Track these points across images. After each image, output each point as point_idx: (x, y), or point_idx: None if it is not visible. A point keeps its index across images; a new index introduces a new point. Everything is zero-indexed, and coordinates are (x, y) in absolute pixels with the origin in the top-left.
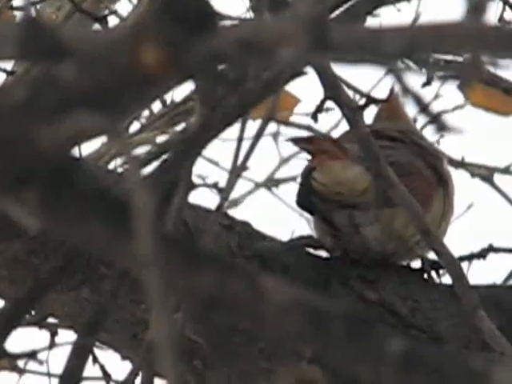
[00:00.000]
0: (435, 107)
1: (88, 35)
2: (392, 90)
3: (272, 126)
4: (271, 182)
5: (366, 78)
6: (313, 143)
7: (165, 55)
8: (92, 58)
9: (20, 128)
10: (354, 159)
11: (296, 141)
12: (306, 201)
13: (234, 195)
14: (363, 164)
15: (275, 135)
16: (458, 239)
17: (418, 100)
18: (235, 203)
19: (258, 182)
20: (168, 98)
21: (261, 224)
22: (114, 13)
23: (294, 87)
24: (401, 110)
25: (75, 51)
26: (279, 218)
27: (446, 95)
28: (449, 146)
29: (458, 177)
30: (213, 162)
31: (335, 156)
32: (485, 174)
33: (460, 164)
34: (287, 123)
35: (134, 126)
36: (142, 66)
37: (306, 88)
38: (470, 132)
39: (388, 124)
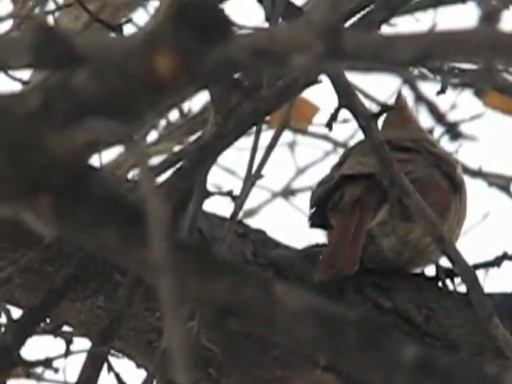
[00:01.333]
0: (452, 116)
1: (102, 43)
2: (399, 95)
3: (288, 136)
4: (288, 192)
5: (381, 86)
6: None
7: (179, 63)
8: (106, 65)
9: (35, 135)
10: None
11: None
12: (319, 219)
13: (250, 205)
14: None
15: (291, 145)
16: (474, 248)
17: (432, 108)
18: (252, 213)
19: (274, 191)
20: (186, 107)
21: (277, 233)
22: (131, 21)
23: (313, 95)
24: (409, 115)
25: (90, 59)
26: (295, 227)
27: (463, 104)
28: (466, 155)
29: (475, 186)
30: (228, 171)
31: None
32: (502, 183)
33: (477, 173)
34: (304, 132)
35: (152, 136)
36: (156, 73)
37: (327, 96)
38: (487, 141)
39: (398, 132)
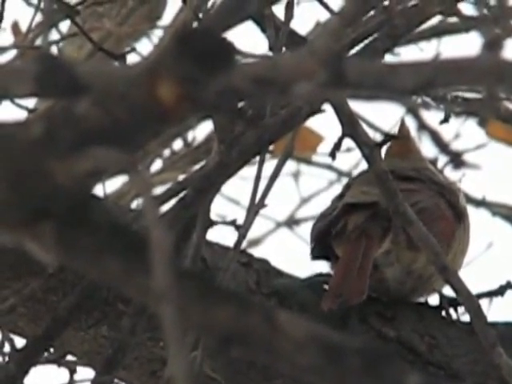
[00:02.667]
0: (455, 145)
1: (105, 71)
2: (402, 125)
3: (292, 165)
4: (292, 221)
5: (384, 115)
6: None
7: (181, 92)
8: (109, 94)
9: (38, 163)
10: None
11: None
12: (321, 250)
13: (254, 234)
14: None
15: (295, 174)
16: (478, 277)
17: (436, 137)
18: (256, 242)
19: (278, 221)
20: (190, 137)
21: (281, 263)
22: (135, 51)
23: (317, 125)
24: (411, 145)
25: (92, 87)
26: (299, 256)
27: (467, 133)
28: (470, 184)
29: (478, 215)
30: (232, 200)
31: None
32: (506, 212)
33: (481, 203)
34: (308, 162)
35: (156, 165)
36: (158, 102)
37: (331, 126)
38: (491, 171)
39: (400, 162)
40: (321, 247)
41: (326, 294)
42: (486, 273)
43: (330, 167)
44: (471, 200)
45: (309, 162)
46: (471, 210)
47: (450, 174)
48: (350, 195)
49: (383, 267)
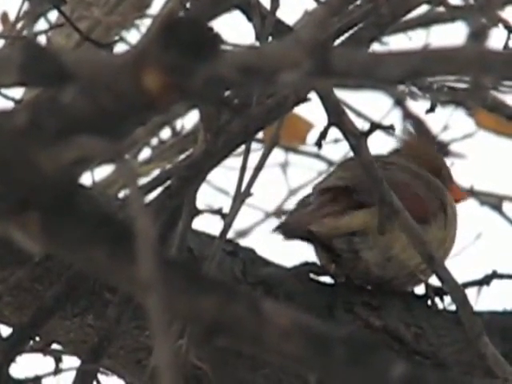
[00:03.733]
0: (444, 135)
1: (91, 60)
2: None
3: (281, 155)
4: (280, 212)
5: (373, 104)
6: (301, 224)
7: (167, 81)
8: (95, 83)
9: (23, 152)
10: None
11: (287, 231)
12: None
13: (243, 225)
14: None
15: (284, 165)
16: (465, 267)
17: (421, 126)
18: (244, 233)
19: (267, 211)
20: (178, 126)
21: (269, 253)
22: (122, 40)
23: (305, 113)
24: (422, 150)
25: (78, 76)
26: (287, 247)
27: (455, 123)
28: (458, 174)
29: (467, 205)
30: (219, 190)
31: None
32: (494, 202)
33: (469, 192)
34: (297, 151)
35: (144, 154)
36: (144, 91)
37: (318, 115)
38: (479, 160)
39: (402, 160)
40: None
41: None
42: (473, 262)
43: (318, 156)
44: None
45: (298, 151)
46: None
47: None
48: (326, 181)
49: (362, 252)
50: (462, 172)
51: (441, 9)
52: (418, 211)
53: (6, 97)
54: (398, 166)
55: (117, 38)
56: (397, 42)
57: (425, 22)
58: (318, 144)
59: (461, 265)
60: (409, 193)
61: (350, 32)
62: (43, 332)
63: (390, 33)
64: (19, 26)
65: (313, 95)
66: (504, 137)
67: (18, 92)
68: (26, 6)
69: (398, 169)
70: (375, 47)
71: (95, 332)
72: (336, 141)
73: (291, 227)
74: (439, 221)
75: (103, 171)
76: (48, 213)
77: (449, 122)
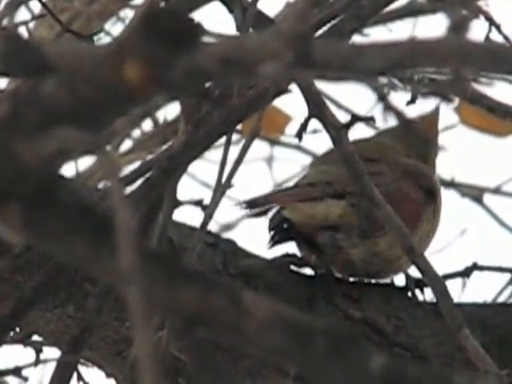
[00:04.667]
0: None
1: (72, 51)
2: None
3: (265, 150)
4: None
5: (354, 96)
6: (270, 200)
7: (147, 72)
8: (75, 74)
9: (3, 143)
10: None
11: (252, 204)
12: (280, 234)
13: (227, 219)
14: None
15: (269, 159)
16: (447, 259)
17: (401, 118)
18: (229, 227)
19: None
20: (160, 117)
21: (254, 248)
22: (103, 31)
23: (286, 105)
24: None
25: (59, 67)
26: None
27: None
28: (439, 165)
29: (447, 197)
30: (200, 182)
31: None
32: (475, 194)
33: (450, 184)
34: (278, 143)
35: (125, 145)
36: (125, 82)
37: (298, 106)
38: (460, 152)
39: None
40: (282, 232)
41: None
42: (454, 254)
43: (300, 148)
44: (440, 181)
45: (279, 142)
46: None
47: None
48: (309, 175)
49: (348, 249)
50: (443, 163)
51: (422, 0)
52: (412, 218)
53: None
54: (386, 165)
55: (98, 29)
56: (378, 34)
57: (406, 13)
58: (299, 136)
59: (440, 256)
60: (403, 201)
61: (331, 24)
62: (23, 323)
63: (370, 24)
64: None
65: (293, 87)
66: (487, 133)
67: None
68: None
69: (387, 170)
70: (356, 39)
71: (75, 323)
72: (315, 131)
73: (257, 201)
74: (428, 213)
75: (84, 162)
76: (28, 204)
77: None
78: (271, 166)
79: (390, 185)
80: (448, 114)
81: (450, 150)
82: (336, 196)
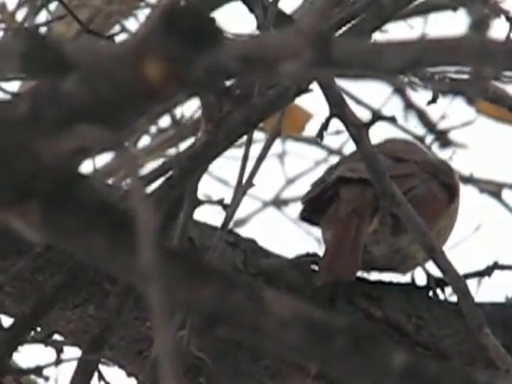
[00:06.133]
0: (443, 123)
1: (91, 49)
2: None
3: (279, 145)
4: (278, 201)
5: (373, 93)
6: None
7: (168, 70)
8: (95, 72)
9: (23, 141)
10: None
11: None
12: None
13: (241, 214)
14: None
15: (281, 155)
16: (465, 256)
17: (422, 116)
18: (242, 222)
19: (265, 200)
20: (178, 114)
21: (268, 242)
22: (123, 29)
23: (308, 102)
24: None
25: (79, 65)
26: (286, 236)
27: (454, 110)
28: (458, 161)
29: (466, 192)
30: (220, 180)
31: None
32: (493, 189)
33: (468, 180)
34: (297, 139)
35: (144, 143)
36: (144, 80)
37: (320, 105)
38: (478, 147)
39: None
40: (310, 212)
41: (319, 269)
42: (473, 251)
43: (319, 144)
44: (459, 177)
45: (298, 139)
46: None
47: (439, 152)
48: (340, 170)
49: (370, 246)
50: (461, 160)
51: None
52: (435, 216)
53: (4, 90)
54: (416, 165)
55: (117, 27)
56: (397, 30)
57: (426, 10)
58: (320, 135)
59: (460, 253)
60: (431, 201)
61: (352, 23)
62: (44, 323)
63: (390, 21)
64: (20, 16)
65: (314, 86)
66: (504, 123)
67: (15, 86)
68: None
69: (418, 170)
70: (376, 36)
71: (96, 323)
72: (338, 132)
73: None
74: (450, 210)
75: (104, 160)
76: (48, 202)
77: (448, 110)
78: (283, 161)
79: (422, 186)
80: (464, 108)
81: (469, 145)
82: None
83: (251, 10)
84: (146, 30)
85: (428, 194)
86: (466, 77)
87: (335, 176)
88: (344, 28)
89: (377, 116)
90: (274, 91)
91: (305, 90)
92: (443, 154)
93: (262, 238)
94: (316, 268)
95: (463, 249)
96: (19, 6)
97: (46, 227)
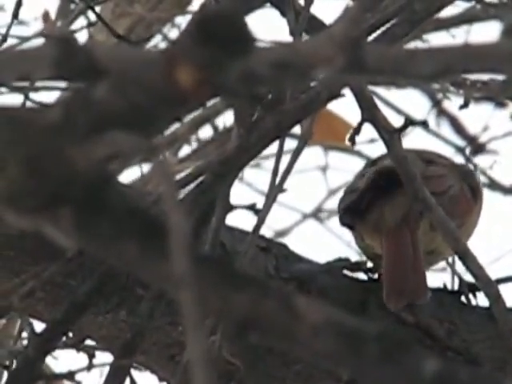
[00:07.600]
0: (482, 134)
1: (124, 55)
2: None
3: (320, 158)
4: (319, 213)
5: (408, 98)
6: None
7: (200, 76)
8: (127, 78)
9: (56, 148)
10: None
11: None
12: (347, 218)
13: (281, 225)
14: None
15: (323, 168)
16: (498, 263)
17: (455, 122)
18: (283, 233)
19: (305, 212)
20: (220, 123)
21: (308, 254)
22: (165, 37)
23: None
24: None
25: (111, 71)
26: (326, 248)
27: (496, 121)
28: (498, 171)
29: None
30: (252, 186)
31: None
32: None
33: (509, 190)
34: (338, 148)
35: (184, 151)
36: (176, 86)
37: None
38: None
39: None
40: (348, 217)
41: (385, 293)
42: (508, 258)
43: (359, 154)
44: (499, 187)
45: (339, 148)
46: (499, 198)
47: (473, 159)
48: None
49: None
50: (502, 169)
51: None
52: (465, 217)
53: (33, 101)
54: (446, 167)
55: (153, 34)
56: (439, 39)
57: (461, 20)
58: (352, 140)
59: (493, 260)
60: (463, 202)
61: (383, 28)
62: (76, 328)
63: (429, 31)
64: (59, 24)
65: (346, 91)
66: None
67: (44, 96)
68: (65, 5)
69: (449, 172)
70: (415, 44)
71: (128, 328)
72: (372, 141)
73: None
74: (475, 211)
75: (141, 168)
76: (80, 208)
77: (488, 121)
78: (325, 173)
79: (456, 186)
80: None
81: (509, 155)
82: None
83: (283, 14)
84: (179, 36)
85: (461, 193)
86: (498, 82)
87: (373, 170)
88: (376, 33)
89: (409, 121)
90: (306, 96)
91: (337, 95)
92: (483, 163)
93: (302, 249)
94: (347, 273)
95: (497, 255)
96: (60, 14)
97: (78, 233)
